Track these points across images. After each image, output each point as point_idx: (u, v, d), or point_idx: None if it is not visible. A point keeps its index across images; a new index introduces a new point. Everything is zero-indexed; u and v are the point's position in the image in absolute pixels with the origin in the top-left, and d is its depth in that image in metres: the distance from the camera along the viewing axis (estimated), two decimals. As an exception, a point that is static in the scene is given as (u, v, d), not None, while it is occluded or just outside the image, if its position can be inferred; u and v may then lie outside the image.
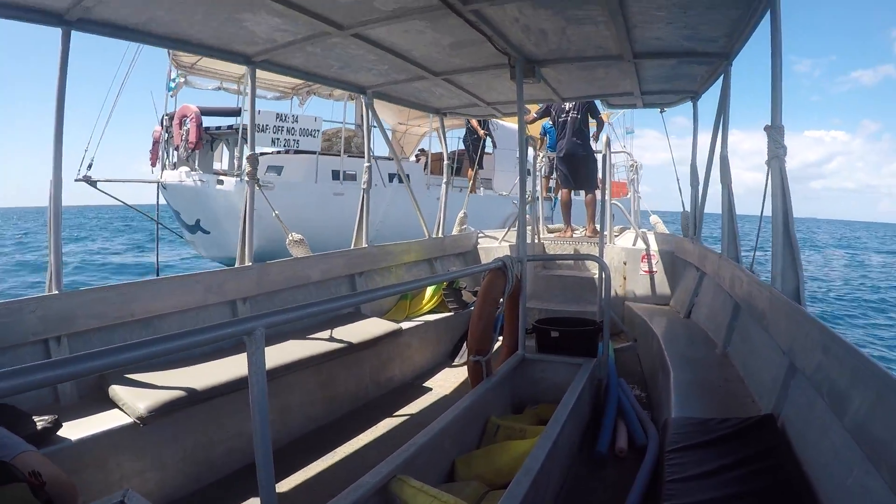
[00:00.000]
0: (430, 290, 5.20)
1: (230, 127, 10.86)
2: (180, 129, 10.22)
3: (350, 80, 4.48)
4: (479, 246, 6.62)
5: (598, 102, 6.24)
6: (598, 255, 5.03)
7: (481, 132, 11.85)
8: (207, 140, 11.19)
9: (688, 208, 5.02)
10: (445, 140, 6.47)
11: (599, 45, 3.41)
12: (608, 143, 5.96)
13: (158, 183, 10.10)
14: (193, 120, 10.34)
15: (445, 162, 6.43)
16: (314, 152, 10.83)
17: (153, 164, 11.10)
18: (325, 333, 3.77)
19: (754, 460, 1.96)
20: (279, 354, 3.24)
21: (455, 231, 6.85)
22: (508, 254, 3.61)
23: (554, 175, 9.14)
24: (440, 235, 6.09)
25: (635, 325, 5.10)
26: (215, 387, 2.75)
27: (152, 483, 2.61)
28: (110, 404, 2.62)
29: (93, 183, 8.65)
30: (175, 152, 10.69)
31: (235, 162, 10.17)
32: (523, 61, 3.62)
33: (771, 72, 2.56)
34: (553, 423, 2.46)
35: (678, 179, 5.50)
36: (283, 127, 9.92)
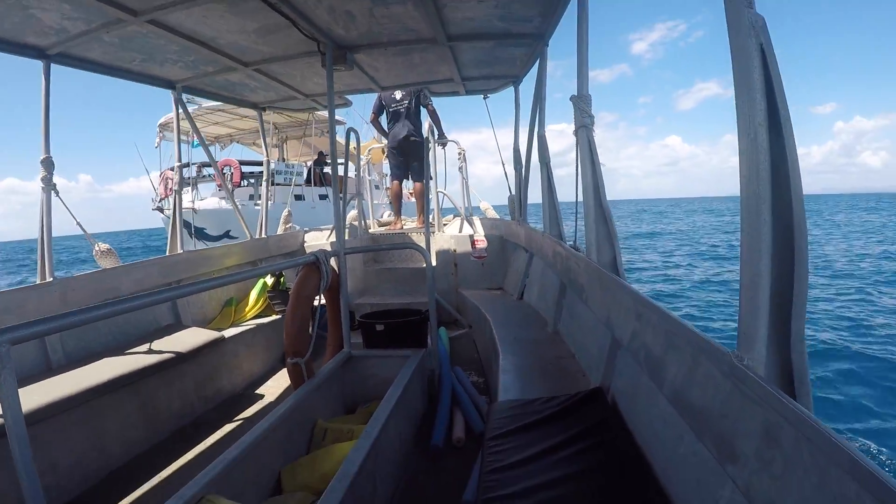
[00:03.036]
0: (254, 295, 4.90)
1: (261, 172, 15.46)
2: (222, 172, 14.16)
3: (156, 74, 4.06)
4: (305, 244, 6.34)
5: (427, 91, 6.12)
6: (423, 243, 5.02)
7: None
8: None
9: (514, 192, 5.13)
10: (266, 138, 6.12)
11: (411, 28, 3.33)
12: (431, 130, 5.98)
13: (192, 209, 14.19)
14: (236, 168, 15.65)
15: (266, 159, 6.10)
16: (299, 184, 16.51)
17: (164, 197, 15.17)
18: (142, 348, 3.44)
19: (582, 437, 1.87)
20: (88, 375, 2.91)
21: (280, 230, 6.52)
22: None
23: None
24: (263, 236, 5.76)
25: (469, 312, 5.11)
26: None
27: None
28: None
29: (162, 210, 13.42)
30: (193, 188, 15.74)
31: (262, 193, 13.39)
32: (333, 47, 3.46)
33: (577, 44, 2.58)
34: (374, 420, 2.34)
35: (503, 163, 5.64)
36: (286, 171, 15.80)
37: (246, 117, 11.88)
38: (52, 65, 3.37)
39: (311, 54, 3.60)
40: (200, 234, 14.51)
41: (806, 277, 1.11)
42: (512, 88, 4.97)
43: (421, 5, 2.95)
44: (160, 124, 13.88)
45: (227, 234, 15.17)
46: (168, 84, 4.31)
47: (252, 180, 16.16)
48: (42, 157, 3.48)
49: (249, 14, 2.94)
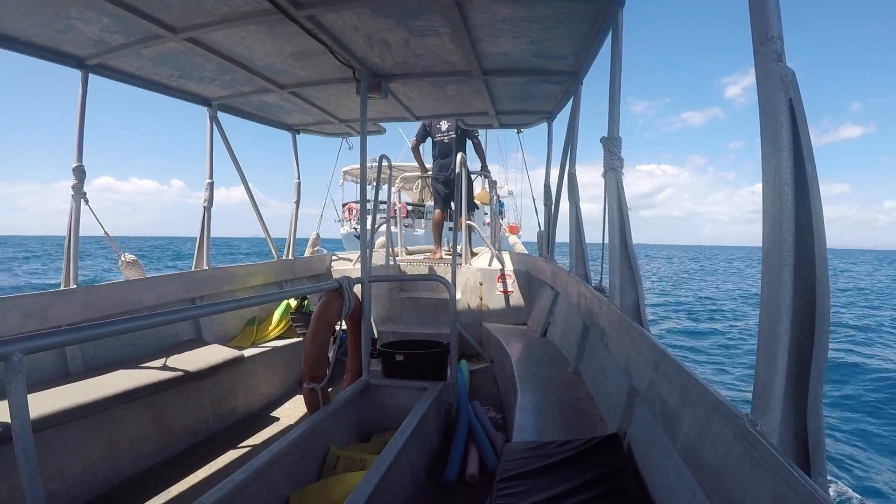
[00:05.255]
0: (277, 315, 4.91)
1: (415, 209, 20.47)
2: (394, 208, 21.06)
3: (192, 91, 4.16)
4: (332, 268, 6.36)
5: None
6: (449, 275, 4.98)
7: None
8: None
9: (543, 228, 5.09)
10: (297, 160, 6.19)
11: (447, 60, 3.35)
12: (464, 162, 5.95)
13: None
14: (403, 206, 20.28)
15: (296, 182, 6.16)
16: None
17: (347, 220, 20.99)
18: (159, 362, 3.45)
19: (595, 484, 1.81)
20: (105, 385, 2.93)
21: (307, 253, 6.55)
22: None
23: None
24: (290, 258, 5.78)
25: (491, 346, 5.04)
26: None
27: None
28: None
29: (356, 230, 16.04)
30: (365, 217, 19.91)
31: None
32: (368, 74, 3.50)
33: (609, 85, 2.55)
34: (387, 451, 2.30)
35: (534, 199, 5.65)
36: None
37: (402, 171, 16.60)
38: (89, 75, 3.45)
39: (347, 80, 3.63)
40: None
41: (826, 342, 1.07)
42: (545, 124, 4.97)
43: (457, 39, 2.97)
44: (344, 171, 20.62)
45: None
46: (204, 101, 4.40)
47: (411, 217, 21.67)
48: (74, 166, 3.55)
49: (287, 38, 2.99)
